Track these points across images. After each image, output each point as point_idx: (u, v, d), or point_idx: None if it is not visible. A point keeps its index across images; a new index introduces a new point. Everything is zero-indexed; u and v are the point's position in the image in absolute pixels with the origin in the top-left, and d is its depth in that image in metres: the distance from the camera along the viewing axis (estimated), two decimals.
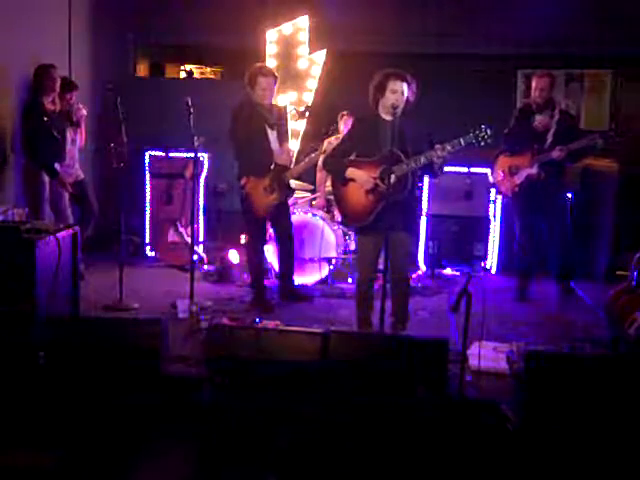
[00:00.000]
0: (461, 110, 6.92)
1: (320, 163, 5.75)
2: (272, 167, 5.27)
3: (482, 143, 4.30)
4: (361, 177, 4.44)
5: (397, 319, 4.62)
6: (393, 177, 4.28)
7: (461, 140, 4.30)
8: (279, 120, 5.38)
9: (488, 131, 4.28)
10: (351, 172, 4.47)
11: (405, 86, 4.37)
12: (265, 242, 5.66)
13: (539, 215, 5.68)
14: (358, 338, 3.81)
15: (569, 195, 6.04)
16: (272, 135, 5.31)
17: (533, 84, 5.57)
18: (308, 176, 6.41)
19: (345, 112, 6.40)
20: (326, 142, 5.51)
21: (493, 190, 6.56)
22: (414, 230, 5.08)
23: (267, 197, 5.28)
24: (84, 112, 5.98)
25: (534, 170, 5.48)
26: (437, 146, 4.30)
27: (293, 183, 6.15)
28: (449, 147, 4.30)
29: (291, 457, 3.13)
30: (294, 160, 5.76)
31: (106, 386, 3.40)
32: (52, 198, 5.64)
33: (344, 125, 6.28)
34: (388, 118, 4.43)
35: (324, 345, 3.47)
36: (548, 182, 5.50)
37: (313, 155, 5.43)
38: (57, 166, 5.57)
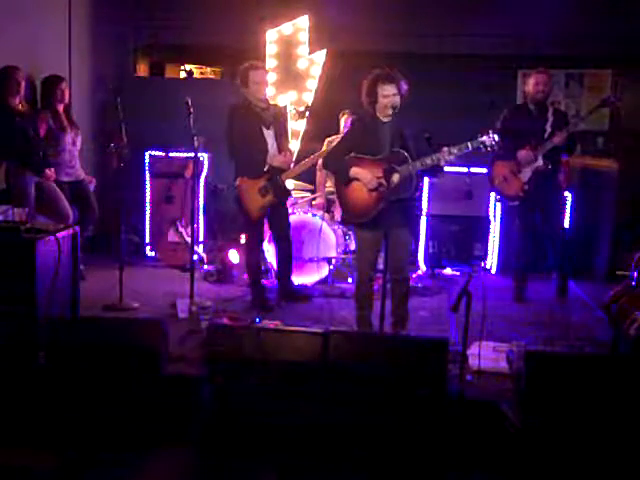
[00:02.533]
0: (461, 110, 6.93)
1: (320, 163, 5.74)
2: (267, 169, 5.25)
3: (489, 149, 4.30)
4: (365, 176, 4.42)
5: (397, 319, 4.61)
6: (397, 177, 4.28)
7: (469, 144, 4.29)
8: (277, 120, 5.37)
9: (496, 137, 4.28)
10: (355, 171, 4.45)
11: (395, 86, 4.35)
12: (262, 242, 5.64)
13: (539, 214, 5.66)
14: (358, 338, 3.81)
15: (567, 193, 6.03)
16: (269, 136, 5.27)
17: (532, 81, 5.56)
18: (308, 176, 6.40)
19: (346, 110, 6.40)
20: (326, 142, 5.49)
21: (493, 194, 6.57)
22: (413, 228, 5.07)
23: (261, 199, 5.24)
24: None
25: (540, 162, 5.45)
26: (444, 149, 4.29)
27: (292, 183, 6.14)
28: (456, 150, 4.29)
29: (290, 454, 3.13)
30: (294, 160, 5.73)
31: (106, 386, 3.40)
32: (49, 200, 5.59)
33: (344, 124, 6.28)
34: (386, 120, 4.42)
35: (324, 345, 3.47)
36: (550, 176, 5.48)
37: (312, 156, 5.42)
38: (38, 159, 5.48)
